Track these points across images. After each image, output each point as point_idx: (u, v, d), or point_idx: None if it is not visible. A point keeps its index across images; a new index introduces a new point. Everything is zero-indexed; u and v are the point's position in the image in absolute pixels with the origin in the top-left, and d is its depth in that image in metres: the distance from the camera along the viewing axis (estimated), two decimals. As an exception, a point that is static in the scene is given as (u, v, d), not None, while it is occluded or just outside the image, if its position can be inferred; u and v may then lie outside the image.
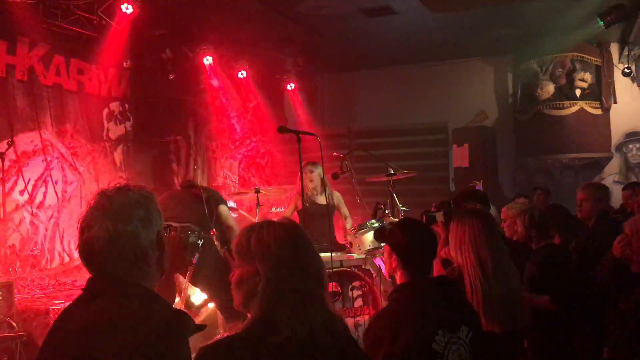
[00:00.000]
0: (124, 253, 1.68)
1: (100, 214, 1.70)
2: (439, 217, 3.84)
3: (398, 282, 2.56)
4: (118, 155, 7.40)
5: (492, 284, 2.85)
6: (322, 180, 5.65)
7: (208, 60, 7.70)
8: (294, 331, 1.74)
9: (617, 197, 7.35)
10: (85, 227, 1.70)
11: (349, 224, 5.91)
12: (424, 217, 3.91)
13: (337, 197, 6.21)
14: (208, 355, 1.74)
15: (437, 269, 3.45)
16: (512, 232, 4.44)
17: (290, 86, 9.46)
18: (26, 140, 6.15)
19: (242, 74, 8.45)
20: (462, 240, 2.97)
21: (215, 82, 8.01)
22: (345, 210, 6.12)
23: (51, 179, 6.36)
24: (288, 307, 1.76)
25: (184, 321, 1.68)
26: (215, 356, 1.74)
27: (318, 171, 5.66)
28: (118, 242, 1.67)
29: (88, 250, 1.69)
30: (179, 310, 1.77)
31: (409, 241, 2.50)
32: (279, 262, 1.80)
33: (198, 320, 5.08)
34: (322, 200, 5.88)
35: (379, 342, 2.28)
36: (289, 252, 1.81)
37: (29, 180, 6.14)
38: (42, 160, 6.29)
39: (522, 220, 4.05)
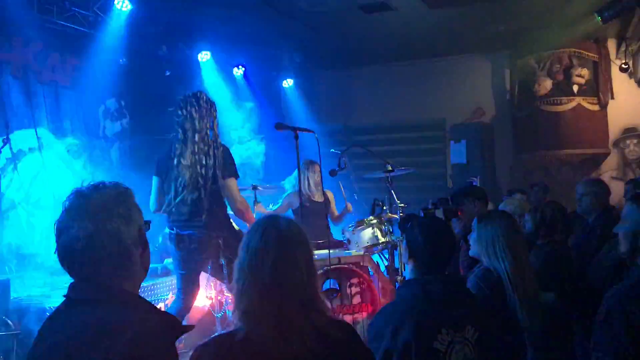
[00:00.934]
0: (106, 253, 1.63)
1: (77, 213, 1.64)
2: (439, 214, 3.84)
3: (409, 273, 2.56)
4: (115, 152, 7.37)
5: (525, 281, 2.93)
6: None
7: (205, 56, 7.68)
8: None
9: (614, 193, 7.35)
10: (63, 229, 1.64)
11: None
12: (423, 215, 3.90)
13: (331, 195, 6.22)
14: (204, 354, 1.78)
15: None
16: None
17: (288, 82, 9.44)
18: (22, 138, 6.12)
19: (239, 70, 8.43)
20: (495, 239, 3.00)
21: (212, 79, 7.99)
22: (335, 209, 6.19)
23: (47, 176, 6.33)
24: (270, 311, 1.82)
25: (170, 325, 1.65)
26: (210, 354, 1.77)
27: (319, 168, 5.72)
28: (99, 241, 1.62)
29: (68, 254, 1.64)
30: (165, 314, 1.75)
31: (425, 241, 2.50)
32: (259, 270, 1.86)
33: (194, 320, 5.06)
34: (319, 197, 5.89)
35: (380, 336, 2.28)
36: (271, 264, 1.86)
37: (25, 177, 6.11)
38: (38, 158, 6.26)
39: (533, 217, 4.05)
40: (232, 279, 1.95)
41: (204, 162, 4.10)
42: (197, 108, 4.18)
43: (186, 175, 4.08)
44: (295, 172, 5.85)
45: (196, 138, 4.11)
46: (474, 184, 7.45)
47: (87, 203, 1.66)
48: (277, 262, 1.86)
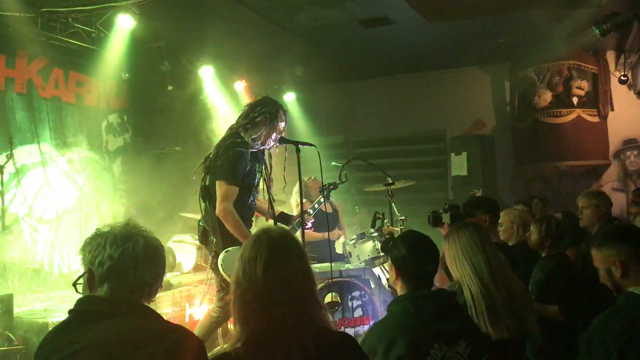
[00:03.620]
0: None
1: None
2: (445, 218, 3.83)
3: (398, 293, 2.56)
4: (117, 167, 7.42)
5: (492, 291, 2.84)
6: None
7: (207, 71, 7.74)
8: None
9: (615, 204, 7.36)
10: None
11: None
12: (431, 217, 3.90)
13: (337, 206, 6.26)
14: None
15: (441, 279, 3.46)
16: (508, 236, 4.46)
17: (289, 97, 9.49)
18: (25, 153, 6.18)
19: (240, 84, 8.48)
20: (455, 253, 2.97)
21: (213, 93, 8.05)
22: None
23: (50, 191, 6.37)
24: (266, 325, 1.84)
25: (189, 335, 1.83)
26: None
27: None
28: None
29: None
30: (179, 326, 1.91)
31: (408, 255, 2.50)
32: (252, 277, 1.88)
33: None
34: (327, 208, 5.90)
35: (373, 353, 2.28)
36: (262, 269, 1.88)
37: (29, 192, 6.15)
38: (41, 173, 6.30)
39: (538, 228, 4.06)
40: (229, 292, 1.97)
41: (210, 154, 4.14)
42: (247, 107, 4.24)
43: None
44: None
45: (226, 133, 4.20)
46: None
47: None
48: (268, 267, 1.87)
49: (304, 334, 1.82)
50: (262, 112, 4.14)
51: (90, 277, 1.89)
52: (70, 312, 1.86)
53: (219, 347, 5.07)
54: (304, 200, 5.66)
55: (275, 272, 1.87)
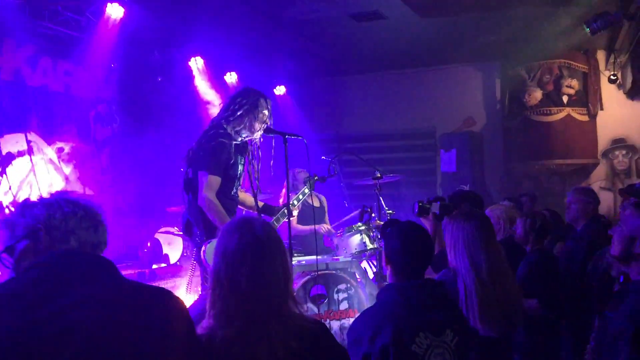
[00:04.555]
0: None
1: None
2: (434, 208, 3.81)
3: (388, 279, 2.55)
4: (104, 157, 7.36)
5: (487, 288, 2.82)
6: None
7: (197, 62, 7.70)
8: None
9: (603, 203, 7.39)
10: None
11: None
12: (417, 207, 3.89)
13: (324, 200, 6.25)
14: None
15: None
16: (495, 232, 4.47)
17: (280, 90, 9.47)
18: (11, 141, 6.12)
19: (231, 77, 8.45)
20: (457, 242, 2.94)
21: (203, 85, 8.01)
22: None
23: (36, 180, 6.32)
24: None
25: None
26: None
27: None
28: None
29: None
30: None
31: (401, 246, 2.48)
32: (236, 276, 1.86)
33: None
34: (314, 202, 5.89)
35: (359, 341, 2.27)
36: (249, 271, 1.87)
37: (14, 181, 6.09)
38: (27, 162, 6.25)
39: (523, 223, 4.08)
40: (208, 285, 1.95)
41: (193, 146, 4.11)
42: (228, 99, 4.19)
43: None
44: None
45: (208, 126, 4.14)
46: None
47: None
48: (256, 268, 1.86)
49: (285, 330, 1.83)
50: (243, 104, 4.10)
51: (44, 237, 1.71)
52: (31, 269, 1.64)
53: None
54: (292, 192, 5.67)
55: (260, 275, 1.86)
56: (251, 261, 1.86)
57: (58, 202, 1.77)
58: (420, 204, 3.87)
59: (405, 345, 2.25)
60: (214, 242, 3.88)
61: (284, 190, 5.88)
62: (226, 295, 1.85)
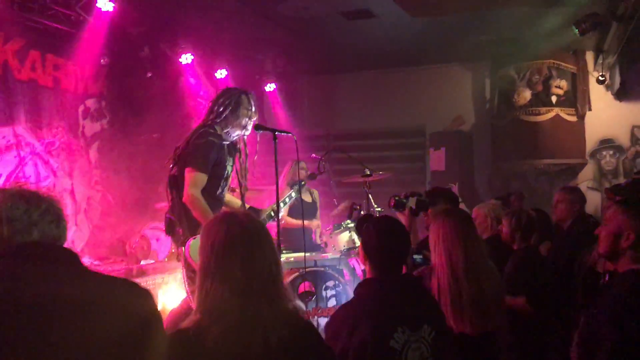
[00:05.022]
0: None
1: None
2: (411, 202, 3.82)
3: (367, 275, 2.56)
4: (93, 152, 7.32)
5: (461, 286, 2.83)
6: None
7: (187, 59, 7.67)
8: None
9: (590, 203, 7.45)
10: None
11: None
12: (393, 201, 3.90)
13: (317, 195, 6.27)
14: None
15: None
16: (482, 230, 4.50)
17: (270, 87, 9.45)
18: (-2, 135, 6.07)
19: (221, 73, 8.42)
20: (437, 239, 2.96)
21: (193, 81, 7.98)
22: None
23: (24, 174, 6.27)
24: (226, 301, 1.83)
25: None
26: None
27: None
28: None
29: None
30: None
31: (378, 241, 2.49)
32: (227, 269, 1.86)
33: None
34: (305, 197, 5.89)
35: (337, 336, 2.28)
36: (240, 262, 1.86)
37: (1, 175, 6.05)
38: (15, 156, 6.20)
39: (508, 222, 4.10)
40: (196, 281, 1.93)
41: (180, 144, 4.08)
42: (211, 102, 4.18)
43: None
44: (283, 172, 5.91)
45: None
46: (453, 189, 7.52)
47: None
48: (246, 259, 1.86)
49: (278, 321, 1.83)
50: (226, 104, 4.10)
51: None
52: None
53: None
54: (286, 188, 5.68)
55: (252, 267, 1.86)
56: (242, 251, 1.86)
57: (21, 193, 1.72)
58: (397, 198, 3.87)
59: (383, 340, 2.26)
60: (198, 239, 3.87)
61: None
62: (217, 289, 1.84)
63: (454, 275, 2.86)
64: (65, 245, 1.77)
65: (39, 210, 1.71)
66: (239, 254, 1.86)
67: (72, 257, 1.69)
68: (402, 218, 3.77)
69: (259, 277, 1.86)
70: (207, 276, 1.88)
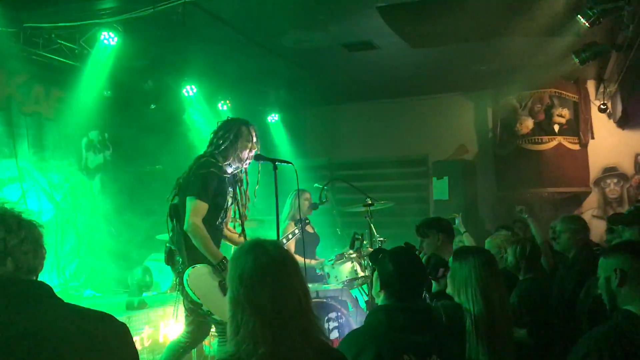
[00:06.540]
0: None
1: None
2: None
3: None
4: (96, 184, 7.34)
5: (499, 323, 2.84)
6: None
7: (190, 90, 7.73)
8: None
9: (595, 231, 7.40)
10: None
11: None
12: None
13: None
14: None
15: None
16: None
17: (273, 118, 9.51)
18: (2, 168, 6.09)
19: (224, 105, 8.48)
20: (467, 281, 2.91)
21: (196, 113, 8.04)
22: None
23: (27, 207, 6.28)
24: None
25: None
26: None
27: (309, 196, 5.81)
28: None
29: None
30: None
31: (394, 273, 2.49)
32: (257, 300, 1.83)
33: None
34: (308, 228, 5.87)
35: None
36: (270, 293, 1.84)
37: (4, 208, 6.05)
38: (18, 188, 6.22)
39: (513, 251, 4.06)
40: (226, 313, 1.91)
41: (184, 173, 4.10)
42: (212, 135, 4.23)
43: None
44: (288, 201, 5.89)
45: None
46: (456, 220, 7.47)
47: None
48: (276, 290, 1.84)
49: (310, 351, 1.83)
50: (226, 136, 4.13)
51: None
52: None
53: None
54: (290, 222, 5.67)
55: (283, 297, 1.84)
56: (271, 281, 1.84)
57: (2, 217, 1.70)
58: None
59: None
60: (198, 268, 3.85)
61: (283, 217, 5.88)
62: (249, 320, 1.82)
63: (491, 314, 2.83)
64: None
65: (16, 239, 1.67)
66: (268, 285, 1.84)
67: (45, 292, 1.66)
68: None
69: (289, 308, 1.84)
70: (237, 307, 1.86)
